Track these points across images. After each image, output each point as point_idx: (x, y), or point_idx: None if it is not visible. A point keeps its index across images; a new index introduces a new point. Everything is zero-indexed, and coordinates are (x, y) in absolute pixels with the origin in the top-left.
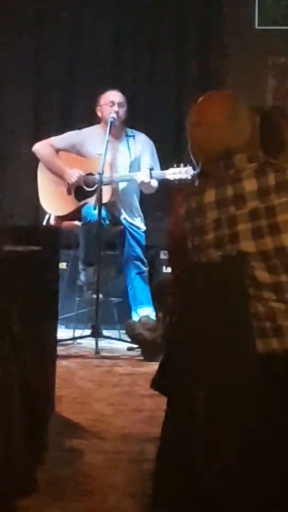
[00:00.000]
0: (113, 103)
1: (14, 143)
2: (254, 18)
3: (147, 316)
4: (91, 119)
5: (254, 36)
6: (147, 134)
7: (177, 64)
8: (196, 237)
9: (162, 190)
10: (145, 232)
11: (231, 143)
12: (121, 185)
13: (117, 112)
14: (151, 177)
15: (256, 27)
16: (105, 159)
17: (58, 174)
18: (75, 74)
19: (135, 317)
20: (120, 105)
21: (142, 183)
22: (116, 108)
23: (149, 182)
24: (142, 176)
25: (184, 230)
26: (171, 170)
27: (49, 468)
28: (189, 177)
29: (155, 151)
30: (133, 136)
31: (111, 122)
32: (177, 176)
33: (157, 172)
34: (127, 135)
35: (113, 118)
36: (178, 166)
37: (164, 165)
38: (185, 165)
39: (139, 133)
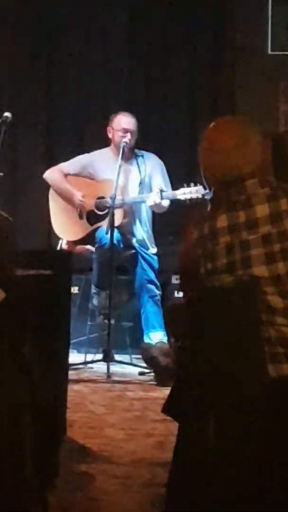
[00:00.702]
0: (125, 131)
1: (27, 169)
2: (266, 44)
3: (162, 342)
4: (103, 143)
5: (266, 61)
6: (159, 155)
7: (189, 88)
8: (208, 262)
9: (174, 213)
10: (157, 255)
11: (243, 168)
12: (134, 206)
13: (129, 140)
14: (161, 198)
15: (269, 52)
16: (117, 184)
17: (67, 198)
18: (87, 97)
19: (147, 342)
20: (132, 133)
21: (153, 205)
22: (129, 136)
23: (160, 203)
24: (152, 198)
25: (196, 255)
26: (182, 190)
27: (60, 493)
28: (200, 196)
29: (165, 170)
30: (142, 156)
31: (123, 147)
32: (188, 196)
33: (168, 192)
34: (136, 156)
35: (126, 143)
36: (188, 186)
37: (176, 186)
38: (195, 185)
39: (148, 153)
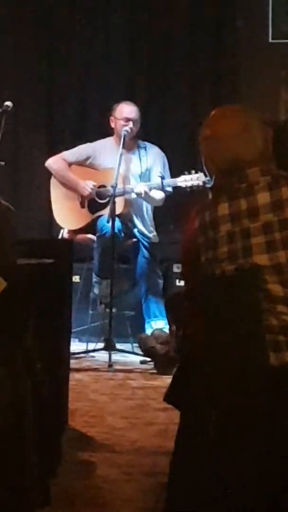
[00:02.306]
0: (127, 120)
1: (28, 158)
2: (267, 32)
3: (160, 329)
4: (105, 133)
5: (267, 49)
6: (160, 144)
7: (190, 77)
8: (209, 250)
9: (175, 202)
10: (158, 244)
11: (243, 156)
12: (134, 196)
13: (130, 128)
14: (162, 185)
15: (270, 40)
16: (118, 172)
17: (71, 188)
18: (88, 87)
19: (148, 330)
20: (134, 122)
21: (140, 195)
22: (130, 125)
23: (147, 194)
24: (140, 187)
25: (198, 244)
26: (183, 177)
27: (62, 481)
28: (201, 184)
29: (166, 163)
30: (145, 147)
31: (125, 136)
32: (189, 183)
33: (169, 180)
34: (138, 147)
35: (127, 131)
36: (189, 173)
37: (177, 175)
38: (196, 172)
39: (151, 145)
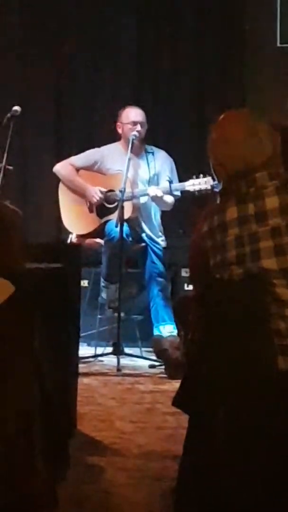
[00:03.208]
0: (134, 123)
1: (36, 162)
2: (275, 36)
3: (173, 335)
4: (113, 137)
5: (275, 53)
6: (167, 149)
7: (197, 81)
8: (218, 254)
9: (183, 206)
10: (166, 248)
11: (252, 160)
12: (142, 200)
13: (138, 131)
14: (170, 189)
15: (278, 45)
16: (126, 177)
17: (79, 193)
18: (96, 92)
19: (157, 334)
20: (141, 125)
21: (155, 197)
22: (138, 128)
23: (162, 197)
24: (153, 191)
25: (206, 248)
26: (191, 181)
27: (70, 485)
28: (209, 188)
29: (174, 168)
30: (153, 152)
31: (133, 140)
32: (197, 187)
33: (177, 184)
34: (146, 152)
35: (135, 136)
36: (197, 177)
37: (185, 178)
38: (204, 176)
39: (159, 150)
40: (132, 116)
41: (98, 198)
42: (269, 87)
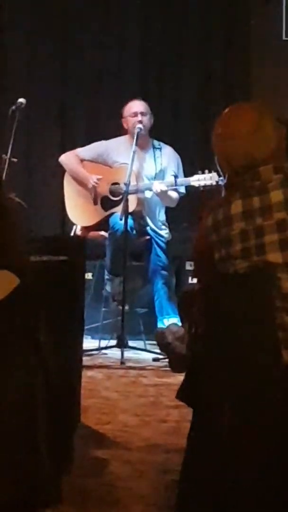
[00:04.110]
0: (135, 114)
1: (41, 155)
2: (281, 30)
3: (175, 324)
4: (117, 130)
5: (280, 47)
6: (172, 144)
7: (202, 76)
8: (222, 248)
9: (188, 200)
10: (171, 241)
11: (257, 154)
12: (148, 194)
13: (141, 122)
14: (176, 183)
15: (284, 38)
16: (131, 169)
17: (83, 183)
18: (101, 86)
19: (161, 327)
20: (143, 114)
21: (159, 193)
22: (139, 117)
23: (166, 192)
24: (157, 185)
25: (211, 241)
26: (196, 176)
27: (74, 478)
28: (214, 183)
29: (181, 164)
30: (160, 148)
31: (138, 133)
32: (202, 183)
33: (183, 179)
34: (153, 147)
35: (140, 128)
36: (203, 172)
37: (190, 175)
38: (209, 171)
39: (166, 146)
40: (134, 107)
41: (92, 183)
42: (274, 81)
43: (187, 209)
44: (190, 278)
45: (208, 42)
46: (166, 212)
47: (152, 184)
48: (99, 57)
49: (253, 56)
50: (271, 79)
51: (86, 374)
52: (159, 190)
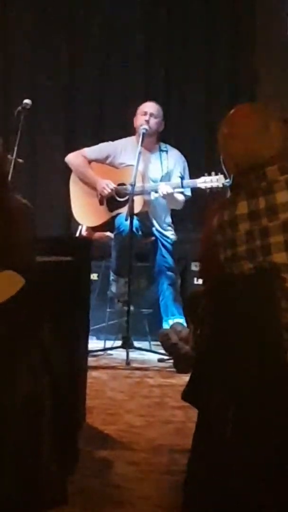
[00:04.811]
0: (145, 113)
1: (46, 155)
2: (285, 28)
3: (179, 323)
4: (122, 130)
5: (285, 45)
6: (178, 146)
7: (207, 75)
8: (228, 249)
9: (193, 201)
10: (176, 242)
11: (262, 154)
12: (153, 196)
13: (147, 122)
14: (182, 185)
15: None
16: (137, 170)
17: (90, 185)
18: (106, 86)
19: (166, 327)
20: (152, 115)
21: (166, 195)
22: (147, 117)
23: (172, 194)
24: (164, 187)
25: (217, 242)
26: (203, 178)
27: (79, 479)
28: (220, 185)
29: (187, 167)
30: (166, 151)
31: (143, 133)
32: (209, 185)
33: (189, 181)
34: (160, 149)
35: (145, 129)
36: (209, 174)
37: (196, 175)
38: (216, 174)
39: (173, 149)
40: (145, 107)
41: (109, 191)
42: (280, 80)
43: (192, 210)
44: (195, 279)
45: (214, 43)
46: (171, 214)
47: (159, 186)
48: (105, 58)
49: (259, 57)
50: (276, 78)
51: (91, 374)
52: (165, 192)
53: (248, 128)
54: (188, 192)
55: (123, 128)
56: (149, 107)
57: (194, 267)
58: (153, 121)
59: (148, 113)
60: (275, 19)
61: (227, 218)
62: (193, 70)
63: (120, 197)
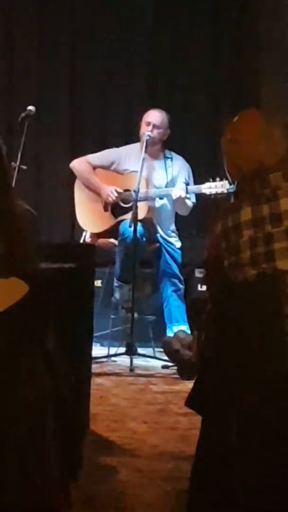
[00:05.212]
0: (148, 123)
1: (50, 162)
2: None
3: (183, 331)
4: (126, 137)
5: None
6: (182, 152)
7: (211, 82)
8: (232, 255)
9: (197, 207)
10: (180, 249)
11: (264, 160)
12: (157, 203)
13: (150, 132)
14: (187, 192)
15: None
16: (141, 176)
17: (95, 191)
18: (110, 93)
19: (169, 334)
20: (155, 126)
21: (178, 199)
22: (150, 128)
23: (184, 198)
24: (178, 191)
25: (220, 248)
26: (207, 184)
27: (83, 486)
28: (225, 191)
29: (191, 174)
30: (171, 158)
31: (147, 141)
32: (213, 191)
33: (194, 186)
34: (165, 156)
35: (149, 136)
36: (214, 180)
37: (200, 181)
38: (221, 179)
39: (177, 156)
40: (148, 117)
41: (113, 198)
42: (283, 85)
43: (196, 216)
44: (199, 285)
45: (217, 50)
46: (175, 220)
47: (172, 191)
48: (109, 66)
49: (262, 64)
50: (280, 85)
51: (95, 381)
52: (178, 196)
53: (250, 133)
54: (193, 199)
55: (127, 135)
56: (153, 118)
57: (198, 273)
58: (155, 132)
59: (151, 124)
60: (279, 25)
61: (231, 224)
62: (196, 76)
63: (125, 203)
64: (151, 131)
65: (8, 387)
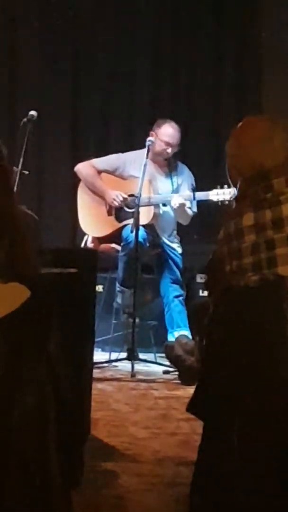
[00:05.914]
0: (168, 144)
1: (52, 167)
2: None
3: (185, 335)
4: (128, 142)
5: None
6: (186, 158)
7: (214, 90)
8: (234, 260)
9: (199, 213)
10: (182, 255)
11: (265, 164)
12: (161, 210)
13: (168, 152)
14: (194, 197)
15: None
16: (143, 181)
17: (99, 195)
18: (112, 98)
19: (171, 340)
20: (174, 148)
21: (178, 208)
22: (169, 150)
23: (184, 205)
24: (176, 199)
25: (223, 253)
26: (215, 191)
27: (84, 491)
28: (233, 198)
29: (194, 184)
30: (176, 166)
31: (149, 146)
32: (221, 197)
33: (201, 193)
34: (170, 165)
35: (151, 141)
36: (222, 187)
37: (203, 188)
38: (229, 187)
39: (182, 165)
40: (168, 137)
41: (119, 202)
42: (286, 93)
43: (197, 222)
44: (201, 291)
45: (220, 57)
46: (177, 225)
47: (172, 197)
48: (111, 71)
49: (265, 69)
50: (282, 92)
51: (96, 386)
52: (177, 204)
53: (251, 137)
54: (195, 208)
55: (129, 140)
56: (173, 138)
57: (200, 279)
58: (171, 150)
59: (170, 146)
60: (282, 32)
61: (233, 229)
62: (199, 84)
63: (129, 208)
64: (170, 152)
65: (9, 393)
